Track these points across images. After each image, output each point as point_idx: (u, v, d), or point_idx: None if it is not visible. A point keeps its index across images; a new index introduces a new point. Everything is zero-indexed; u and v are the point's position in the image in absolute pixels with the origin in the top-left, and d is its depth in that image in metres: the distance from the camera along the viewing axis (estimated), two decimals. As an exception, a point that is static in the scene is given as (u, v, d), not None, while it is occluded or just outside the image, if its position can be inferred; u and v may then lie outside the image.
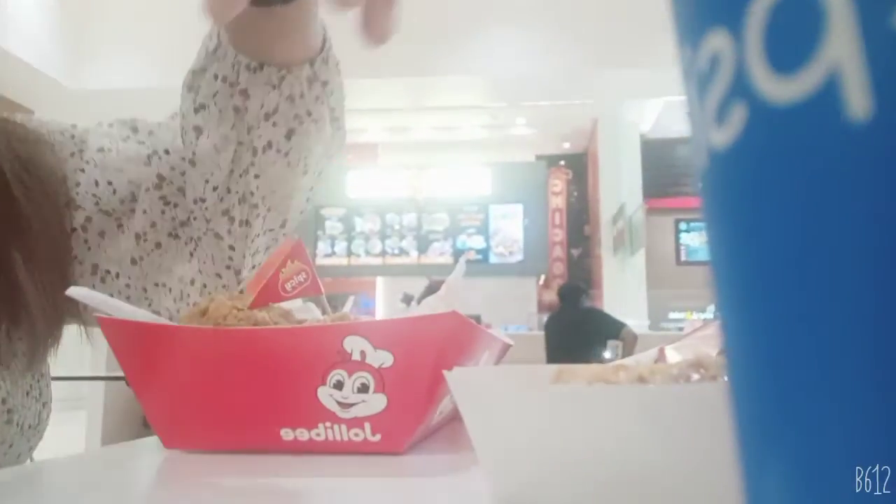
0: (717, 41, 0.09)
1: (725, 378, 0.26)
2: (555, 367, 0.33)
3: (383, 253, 7.90)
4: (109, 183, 0.56)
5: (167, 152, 0.57)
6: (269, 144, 0.51)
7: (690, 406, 0.19)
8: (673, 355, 0.53)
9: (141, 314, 0.42)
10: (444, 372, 0.28)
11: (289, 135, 0.51)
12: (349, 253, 7.93)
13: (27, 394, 0.50)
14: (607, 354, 3.98)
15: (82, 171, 0.56)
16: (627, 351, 3.93)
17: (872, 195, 0.07)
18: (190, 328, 0.41)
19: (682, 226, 8.01)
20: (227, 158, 0.52)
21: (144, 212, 0.56)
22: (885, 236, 0.07)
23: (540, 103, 7.05)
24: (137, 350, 0.42)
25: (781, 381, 0.09)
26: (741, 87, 0.09)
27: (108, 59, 5.54)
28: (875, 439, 0.07)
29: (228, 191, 0.53)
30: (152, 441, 0.45)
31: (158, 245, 0.56)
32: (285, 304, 0.46)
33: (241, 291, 0.53)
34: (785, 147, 0.08)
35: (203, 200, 0.54)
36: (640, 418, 0.21)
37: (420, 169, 8.02)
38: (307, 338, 0.40)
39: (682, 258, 7.96)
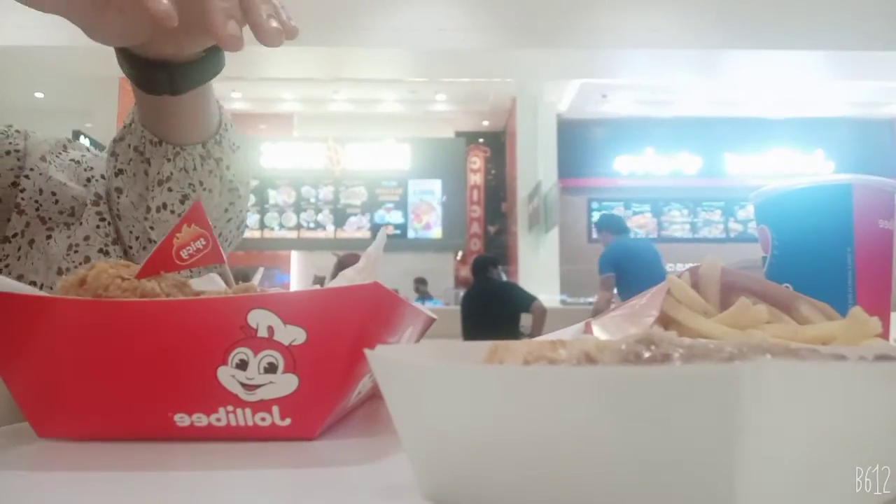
0: None
1: (678, 356, 0.23)
2: (488, 343, 0.30)
3: (298, 226, 7.71)
4: (53, 194, 0.64)
5: (103, 177, 0.67)
6: (164, 206, 0.61)
7: (656, 392, 0.16)
8: (598, 331, 0.51)
9: (10, 284, 0.36)
10: (366, 350, 0.24)
11: (183, 199, 0.61)
12: (262, 226, 7.69)
13: None
14: (523, 326, 4.05)
15: (26, 177, 0.64)
16: (537, 324, 4.01)
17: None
18: (65, 299, 0.35)
19: (594, 205, 8.23)
20: (143, 212, 0.62)
21: (81, 223, 0.64)
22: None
23: (460, 80, 7.02)
24: (2, 324, 0.36)
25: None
26: None
27: (5, 14, 5.08)
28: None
29: (149, 240, 0.63)
30: (23, 428, 0.39)
31: (87, 259, 0.63)
32: (184, 275, 0.41)
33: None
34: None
35: (130, 248, 0.65)
36: (597, 404, 0.18)
37: (337, 142, 7.84)
38: (205, 311, 0.35)
39: (594, 236, 8.18)
